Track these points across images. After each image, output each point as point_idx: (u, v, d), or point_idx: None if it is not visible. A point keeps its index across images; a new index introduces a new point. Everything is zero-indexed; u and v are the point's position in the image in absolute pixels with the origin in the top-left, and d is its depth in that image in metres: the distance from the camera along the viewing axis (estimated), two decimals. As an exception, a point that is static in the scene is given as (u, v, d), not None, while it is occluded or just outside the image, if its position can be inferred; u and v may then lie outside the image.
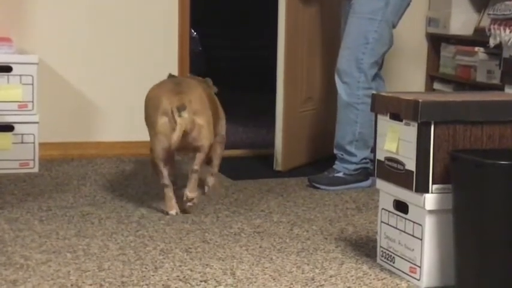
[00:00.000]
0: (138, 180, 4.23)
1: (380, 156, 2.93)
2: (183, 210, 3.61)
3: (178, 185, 3.83)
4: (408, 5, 4.20)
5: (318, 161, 4.61)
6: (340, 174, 4.19)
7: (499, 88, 4.23)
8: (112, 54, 4.82)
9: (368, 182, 4.18)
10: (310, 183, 4.17)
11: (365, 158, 4.20)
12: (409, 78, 5.30)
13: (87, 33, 4.78)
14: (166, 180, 3.61)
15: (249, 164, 4.47)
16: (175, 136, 3.44)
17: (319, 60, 4.72)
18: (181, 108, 3.45)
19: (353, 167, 4.19)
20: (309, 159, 4.69)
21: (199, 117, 3.53)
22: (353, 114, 4.13)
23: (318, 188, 4.13)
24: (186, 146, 3.57)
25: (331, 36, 4.68)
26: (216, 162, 3.98)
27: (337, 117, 4.21)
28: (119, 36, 4.82)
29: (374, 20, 4.07)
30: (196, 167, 3.59)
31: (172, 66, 4.82)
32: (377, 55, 4.12)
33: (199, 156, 3.59)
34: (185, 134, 3.48)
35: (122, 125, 4.82)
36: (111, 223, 3.45)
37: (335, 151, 4.23)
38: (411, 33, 5.31)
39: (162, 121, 3.49)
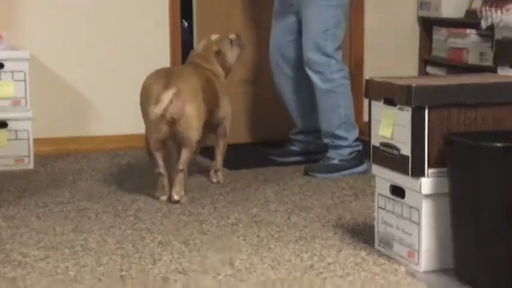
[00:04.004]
0: (134, 173, 4.23)
1: (375, 141, 2.93)
2: (177, 201, 3.62)
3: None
4: None
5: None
6: (336, 161, 4.20)
7: (492, 70, 4.23)
8: (103, 47, 4.80)
9: (363, 167, 4.19)
10: (306, 172, 4.17)
11: (356, 140, 4.22)
12: (402, 63, 5.29)
13: (78, 28, 4.76)
14: (161, 169, 3.64)
15: (244, 153, 4.46)
16: (157, 108, 3.45)
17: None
18: (165, 87, 3.47)
19: (347, 151, 4.20)
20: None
21: (189, 106, 3.53)
22: (334, 99, 4.16)
23: (314, 176, 4.13)
24: (175, 136, 3.57)
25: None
26: (219, 156, 3.97)
27: (318, 106, 4.22)
28: (109, 30, 4.80)
29: (330, 7, 4.12)
30: (181, 166, 3.59)
31: (164, 58, 4.81)
32: (338, 40, 4.18)
33: (185, 153, 3.59)
34: (173, 123, 3.49)
35: (117, 118, 4.81)
36: (108, 217, 3.44)
37: (325, 140, 4.24)
38: (403, 18, 5.30)
39: (154, 110, 3.50)
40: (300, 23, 4.24)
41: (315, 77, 4.16)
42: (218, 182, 3.97)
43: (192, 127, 3.56)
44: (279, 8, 4.33)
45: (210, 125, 3.85)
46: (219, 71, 3.94)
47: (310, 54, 4.15)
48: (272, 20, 4.40)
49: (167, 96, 3.47)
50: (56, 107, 4.76)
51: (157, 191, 3.70)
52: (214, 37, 4.02)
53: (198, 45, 4.05)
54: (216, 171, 3.99)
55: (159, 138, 3.58)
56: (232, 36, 4.06)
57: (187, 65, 3.97)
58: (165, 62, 4.79)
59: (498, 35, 4.27)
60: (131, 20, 4.82)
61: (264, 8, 4.67)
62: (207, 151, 4.25)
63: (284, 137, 4.58)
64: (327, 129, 4.22)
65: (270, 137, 4.88)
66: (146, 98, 3.56)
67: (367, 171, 4.02)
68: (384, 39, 5.26)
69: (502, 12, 4.19)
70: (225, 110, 3.92)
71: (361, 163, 4.20)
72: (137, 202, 3.67)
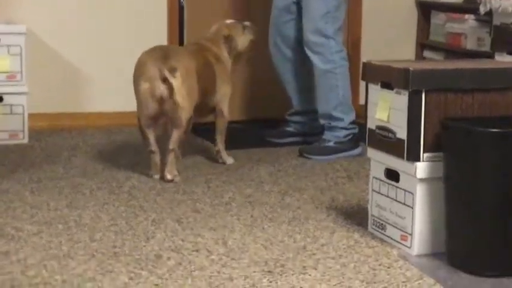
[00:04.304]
0: (128, 150, 4.22)
1: (371, 124, 2.93)
2: (170, 181, 3.62)
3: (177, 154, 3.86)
4: None
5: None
6: (331, 144, 4.20)
7: (490, 56, 4.23)
8: (101, 24, 4.78)
9: (358, 150, 4.20)
10: (301, 154, 4.17)
11: (352, 122, 4.23)
12: (400, 47, 5.28)
13: (75, 3, 4.74)
14: (152, 146, 3.66)
15: (238, 133, 4.46)
16: (150, 101, 3.50)
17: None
18: (173, 71, 3.48)
19: (342, 133, 4.20)
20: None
21: (180, 86, 3.52)
22: (333, 79, 4.16)
23: (309, 158, 4.13)
24: (163, 115, 3.58)
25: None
26: (218, 137, 3.96)
27: (316, 86, 4.22)
28: (107, 6, 4.79)
29: None
30: (171, 146, 3.60)
31: (162, 36, 4.80)
32: (339, 21, 4.18)
33: (176, 133, 3.59)
34: (163, 101, 3.50)
35: (113, 95, 4.80)
36: (102, 194, 3.44)
37: (321, 121, 4.24)
38: (401, 1, 5.29)
39: (145, 87, 3.53)
40: (298, 3, 4.23)
41: (314, 58, 4.16)
42: (224, 163, 3.96)
43: (182, 107, 3.56)
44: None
45: (206, 107, 3.85)
46: (224, 55, 3.93)
47: (310, 36, 4.14)
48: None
49: (159, 75, 3.47)
50: (51, 82, 4.75)
51: (151, 169, 3.70)
52: (227, 22, 4.02)
53: (212, 27, 4.04)
54: (217, 152, 3.98)
55: (150, 116, 3.60)
56: (247, 23, 4.06)
57: (187, 45, 3.98)
58: (163, 39, 4.78)
59: (496, 21, 4.26)
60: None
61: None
62: (206, 131, 4.26)
63: (280, 117, 4.58)
64: (324, 109, 4.22)
65: (265, 116, 4.88)
66: (138, 75, 3.58)
67: (362, 154, 4.03)
68: (382, 23, 5.25)
69: (501, -2, 4.18)
70: (223, 93, 3.91)
71: (356, 146, 4.21)
72: (131, 179, 3.67)
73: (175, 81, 3.51)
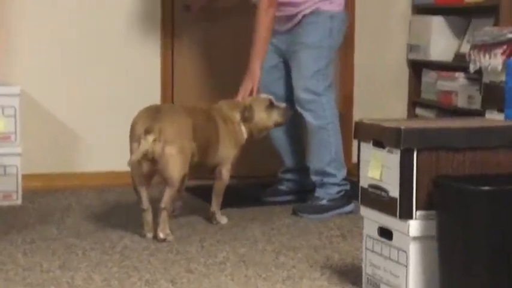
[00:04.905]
0: (122, 210, 4.22)
1: (364, 183, 2.94)
2: (163, 240, 3.62)
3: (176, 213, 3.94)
4: (346, 25, 4.34)
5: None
6: (324, 202, 4.20)
7: (480, 113, 4.26)
8: (94, 84, 4.82)
9: (351, 206, 4.20)
10: (295, 212, 4.17)
11: (344, 179, 4.25)
12: (392, 105, 5.32)
13: (68, 64, 4.78)
14: (144, 204, 3.67)
15: (232, 192, 4.46)
16: (134, 156, 3.51)
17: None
18: (146, 131, 3.51)
19: (335, 189, 4.21)
20: None
21: (170, 146, 3.55)
22: (326, 136, 4.19)
23: (303, 217, 4.13)
24: (156, 175, 3.61)
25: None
26: (215, 199, 3.96)
27: (308, 143, 4.25)
28: (100, 67, 4.83)
29: (322, 48, 4.18)
30: (163, 204, 3.61)
31: (155, 94, 4.83)
32: (329, 78, 4.23)
33: (168, 192, 3.60)
34: (154, 162, 3.52)
35: (106, 155, 4.81)
36: (95, 254, 3.43)
37: (314, 178, 4.25)
38: (392, 60, 5.35)
39: (135, 147, 3.57)
40: (286, 63, 4.28)
41: (306, 114, 4.19)
42: (217, 224, 3.95)
43: (173, 166, 3.57)
44: (271, 46, 4.29)
45: (206, 165, 3.87)
46: (235, 118, 3.94)
47: (301, 94, 4.17)
48: None
49: (147, 140, 3.51)
50: (45, 143, 4.76)
51: (143, 228, 3.69)
52: (260, 95, 4.09)
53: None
54: (212, 214, 3.98)
55: (141, 175, 3.61)
56: (281, 104, 4.09)
57: (184, 104, 4.00)
58: (156, 98, 4.81)
59: (486, 79, 4.30)
60: (122, 56, 4.85)
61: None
62: (200, 190, 4.27)
63: (273, 175, 4.59)
64: (317, 166, 4.23)
65: (258, 174, 4.89)
66: (131, 136, 3.62)
67: (355, 211, 4.04)
68: (374, 81, 5.31)
69: (490, 57, 4.23)
70: (225, 155, 3.91)
71: (349, 203, 4.22)
72: (124, 239, 3.66)
73: (165, 143, 3.53)
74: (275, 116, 4.05)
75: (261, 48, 4.09)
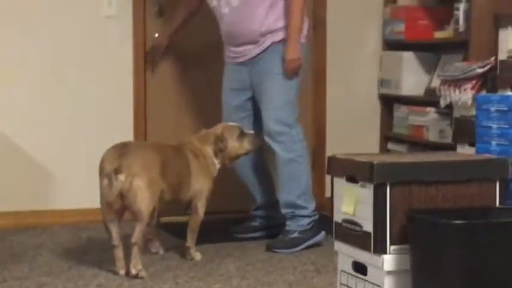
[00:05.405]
0: (95, 247, 4.18)
1: (337, 218, 2.95)
2: (136, 276, 3.59)
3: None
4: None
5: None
6: (296, 234, 4.20)
7: (451, 147, 4.30)
8: (64, 120, 4.79)
9: (322, 235, 4.22)
10: (269, 249, 4.16)
11: (314, 210, 4.27)
12: (364, 139, 5.35)
13: (37, 101, 4.75)
14: (115, 240, 3.65)
15: (205, 228, 4.46)
16: (108, 198, 3.55)
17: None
18: (116, 171, 3.52)
19: (306, 221, 4.22)
20: None
21: (137, 179, 3.55)
22: (296, 169, 4.19)
23: (278, 252, 4.12)
24: (126, 210, 3.60)
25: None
26: (189, 234, 3.96)
27: (278, 177, 4.24)
28: (70, 103, 4.80)
29: (292, 79, 4.16)
30: (134, 239, 3.59)
31: (127, 131, 4.82)
32: (297, 110, 4.23)
33: (138, 227, 3.59)
34: (122, 197, 3.51)
35: (77, 192, 4.77)
36: (68, 293, 3.40)
37: (284, 211, 4.24)
38: (364, 95, 5.39)
39: (104, 183, 3.57)
40: (253, 98, 4.28)
41: (276, 147, 4.18)
42: (191, 260, 3.94)
43: (141, 201, 3.57)
44: (232, 83, 4.32)
45: (180, 201, 3.88)
46: (207, 151, 3.95)
47: (273, 126, 4.16)
48: (222, 96, 4.40)
49: (119, 179, 3.53)
50: (15, 180, 4.72)
51: (115, 264, 3.67)
52: (229, 124, 4.10)
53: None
54: (186, 248, 3.97)
55: (111, 211, 3.61)
56: (250, 132, 4.09)
57: (153, 141, 4.00)
58: (129, 135, 4.80)
59: (456, 114, 4.35)
60: (93, 93, 4.83)
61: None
62: (172, 226, 4.25)
63: (244, 211, 4.59)
64: (287, 199, 4.23)
65: (231, 209, 4.88)
66: (99, 171, 3.62)
67: (325, 239, 4.10)
68: (346, 116, 5.34)
69: (460, 92, 4.28)
70: (198, 189, 3.91)
71: (319, 232, 4.23)
72: (98, 277, 3.63)
73: (132, 177, 3.53)
74: (246, 144, 4.06)
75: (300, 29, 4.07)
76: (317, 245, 4.20)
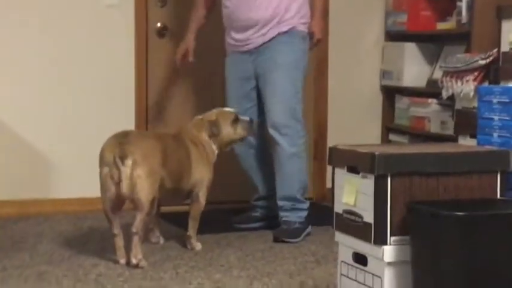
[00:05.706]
0: (95, 236, 4.19)
1: (338, 208, 2.95)
2: (136, 265, 3.59)
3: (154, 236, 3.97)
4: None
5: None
6: (297, 225, 4.22)
7: (453, 139, 4.30)
8: (66, 110, 4.80)
9: (310, 227, 4.27)
10: (278, 239, 4.14)
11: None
12: (365, 130, 5.36)
13: (39, 88, 4.75)
14: (115, 229, 3.65)
15: (206, 218, 4.46)
16: (109, 186, 3.54)
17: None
18: (121, 158, 3.52)
19: (305, 213, 4.26)
20: None
21: (138, 168, 3.55)
22: (298, 163, 4.20)
23: (287, 242, 4.11)
24: (126, 199, 3.61)
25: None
26: (191, 223, 3.96)
27: (280, 169, 4.22)
28: (71, 91, 4.80)
29: (298, 69, 4.17)
30: (135, 229, 3.59)
31: (129, 120, 4.82)
32: (303, 102, 4.22)
33: (138, 216, 3.59)
34: (122, 186, 3.52)
35: (79, 181, 4.77)
36: (68, 282, 3.40)
37: (282, 203, 4.25)
38: (366, 86, 5.39)
39: (105, 172, 3.57)
40: (257, 88, 4.25)
41: (281, 140, 4.16)
42: (192, 249, 3.94)
43: (141, 189, 3.56)
44: (236, 73, 4.29)
45: (182, 190, 3.87)
46: (204, 139, 3.95)
47: (282, 118, 4.13)
48: (226, 86, 4.37)
49: (127, 164, 3.52)
50: (17, 169, 4.72)
51: (116, 253, 3.67)
52: (224, 109, 4.08)
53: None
54: (187, 237, 3.97)
55: (111, 200, 3.61)
56: (244, 117, 4.07)
57: (153, 130, 3.99)
58: (130, 124, 4.80)
59: (458, 105, 4.35)
60: (94, 82, 4.83)
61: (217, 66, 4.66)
62: (173, 216, 4.25)
63: (245, 202, 4.59)
64: (288, 192, 4.23)
65: (232, 200, 4.88)
66: (99, 160, 3.62)
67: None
68: (347, 107, 5.34)
69: (462, 83, 4.28)
70: (199, 177, 3.91)
71: (309, 223, 4.26)
72: (98, 266, 3.63)
73: (133, 166, 3.53)
74: (240, 130, 4.05)
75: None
76: (307, 235, 4.24)
